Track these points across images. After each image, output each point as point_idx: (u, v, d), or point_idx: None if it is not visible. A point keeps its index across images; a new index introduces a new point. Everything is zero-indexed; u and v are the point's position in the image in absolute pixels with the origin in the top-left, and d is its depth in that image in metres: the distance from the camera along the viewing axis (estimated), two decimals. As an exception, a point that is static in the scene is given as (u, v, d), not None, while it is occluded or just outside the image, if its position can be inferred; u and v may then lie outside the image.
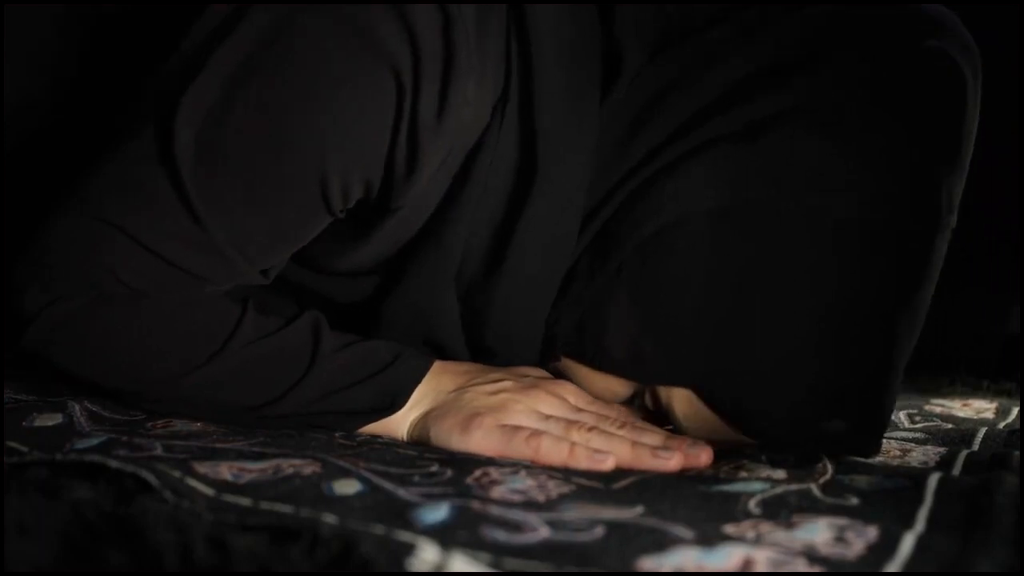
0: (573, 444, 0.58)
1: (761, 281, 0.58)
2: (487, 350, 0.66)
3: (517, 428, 0.59)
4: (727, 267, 0.59)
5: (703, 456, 0.58)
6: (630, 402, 0.66)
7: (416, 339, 0.66)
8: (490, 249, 0.63)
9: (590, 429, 0.59)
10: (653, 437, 0.60)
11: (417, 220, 0.63)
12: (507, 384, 0.63)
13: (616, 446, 0.58)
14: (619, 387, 0.65)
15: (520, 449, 0.58)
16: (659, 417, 0.64)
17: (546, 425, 0.60)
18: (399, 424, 0.63)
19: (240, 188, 0.58)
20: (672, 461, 0.57)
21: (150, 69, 0.61)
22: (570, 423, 0.60)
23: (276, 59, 0.56)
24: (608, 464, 0.57)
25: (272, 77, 0.57)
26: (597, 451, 0.57)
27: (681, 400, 0.61)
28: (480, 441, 0.59)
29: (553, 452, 0.58)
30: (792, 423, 0.60)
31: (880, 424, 0.62)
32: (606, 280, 0.62)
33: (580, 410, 0.62)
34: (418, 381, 0.63)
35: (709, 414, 0.61)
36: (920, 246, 0.58)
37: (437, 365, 0.64)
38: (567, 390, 0.64)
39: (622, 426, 0.61)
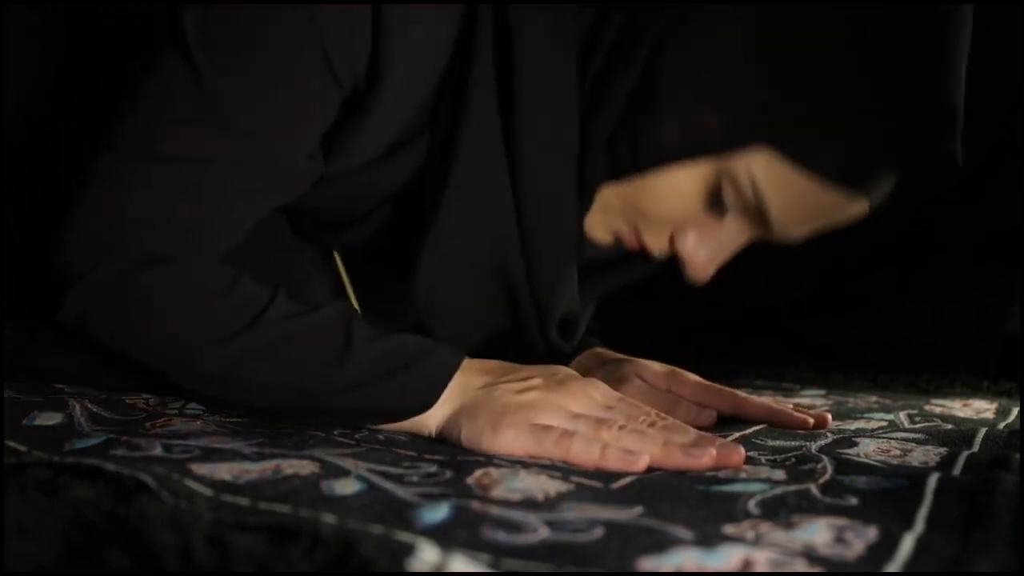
0: (604, 445, 0.56)
1: (804, 14, 0.59)
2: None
3: (547, 428, 0.58)
4: (770, 10, 0.60)
5: (735, 455, 0.57)
6: (714, 207, 0.65)
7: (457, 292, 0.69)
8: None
9: (621, 427, 0.58)
10: (684, 435, 0.58)
11: (402, 114, 0.64)
12: (536, 382, 0.61)
13: (647, 444, 0.57)
14: (689, 190, 0.64)
15: (551, 450, 0.57)
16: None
17: (575, 424, 0.58)
18: (426, 420, 0.62)
19: (252, 57, 0.60)
20: (704, 459, 0.56)
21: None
22: (600, 421, 0.58)
23: None
24: (640, 464, 0.55)
25: None
26: (628, 452, 0.56)
27: (762, 170, 0.61)
28: (511, 442, 0.58)
29: (584, 453, 0.56)
30: (871, 140, 0.60)
31: (949, 111, 0.61)
32: (643, 63, 0.62)
33: (610, 408, 0.61)
34: (449, 378, 0.61)
35: (794, 177, 0.61)
36: None
37: (466, 361, 0.63)
38: (596, 388, 0.62)
39: (652, 424, 0.59)
